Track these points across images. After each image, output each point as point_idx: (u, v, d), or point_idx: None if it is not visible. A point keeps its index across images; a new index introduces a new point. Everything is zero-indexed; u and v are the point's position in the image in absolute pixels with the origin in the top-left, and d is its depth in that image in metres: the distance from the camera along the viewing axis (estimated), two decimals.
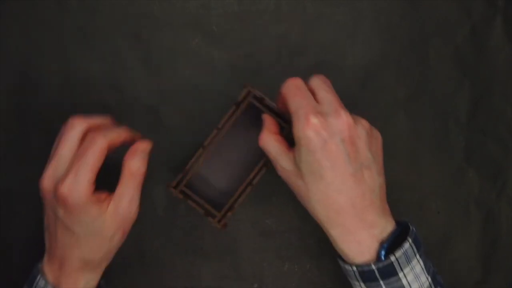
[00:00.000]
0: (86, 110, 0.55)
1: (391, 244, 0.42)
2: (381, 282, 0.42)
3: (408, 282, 0.42)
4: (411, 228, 0.44)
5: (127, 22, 0.56)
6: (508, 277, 0.56)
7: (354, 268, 0.43)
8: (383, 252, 0.42)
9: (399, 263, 0.42)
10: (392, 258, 0.42)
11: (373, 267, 0.42)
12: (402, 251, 0.42)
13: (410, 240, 0.42)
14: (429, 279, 0.43)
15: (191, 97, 0.56)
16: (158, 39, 0.56)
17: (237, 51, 0.56)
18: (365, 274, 0.43)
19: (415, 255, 0.43)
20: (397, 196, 0.55)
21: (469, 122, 0.56)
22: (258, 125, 0.48)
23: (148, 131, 0.55)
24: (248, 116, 0.50)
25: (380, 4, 0.56)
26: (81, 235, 0.43)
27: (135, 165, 0.44)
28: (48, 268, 0.45)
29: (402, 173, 0.56)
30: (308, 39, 0.56)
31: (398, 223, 0.45)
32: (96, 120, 0.45)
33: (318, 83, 0.44)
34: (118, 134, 0.44)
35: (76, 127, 0.43)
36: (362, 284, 0.44)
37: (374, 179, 0.43)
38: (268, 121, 0.47)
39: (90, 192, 0.42)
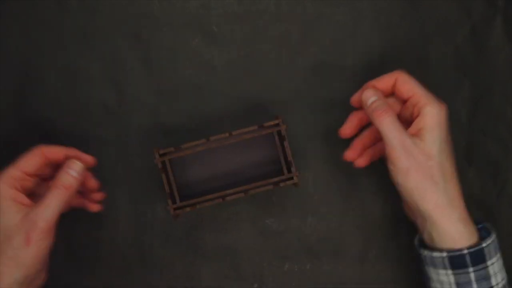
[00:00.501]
0: (86, 110, 0.55)
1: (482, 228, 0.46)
2: (470, 269, 0.43)
3: (494, 272, 0.44)
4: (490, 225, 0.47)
5: (127, 22, 0.56)
6: (508, 277, 0.56)
7: (444, 254, 0.44)
8: (484, 233, 0.45)
9: (489, 251, 0.44)
10: (484, 243, 0.43)
11: (465, 251, 0.43)
12: (492, 239, 0.44)
13: (495, 234, 0.45)
14: (505, 279, 0.45)
15: (191, 97, 0.55)
16: (158, 39, 0.56)
17: (237, 51, 0.56)
18: (455, 259, 0.43)
19: (498, 250, 0.45)
20: (397, 197, 0.55)
21: (469, 122, 0.56)
22: (264, 149, 0.53)
23: (148, 131, 0.55)
24: (261, 139, 0.52)
25: (380, 4, 0.56)
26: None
27: (62, 178, 0.46)
28: None
29: None
30: (308, 39, 0.56)
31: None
32: (55, 147, 0.48)
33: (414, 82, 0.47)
34: (58, 149, 0.47)
35: (36, 148, 0.47)
36: (450, 272, 0.44)
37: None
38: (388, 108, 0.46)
39: (9, 185, 0.45)
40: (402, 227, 0.55)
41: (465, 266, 0.43)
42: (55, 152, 0.47)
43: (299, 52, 0.56)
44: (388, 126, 0.44)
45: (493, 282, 0.44)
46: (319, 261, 0.55)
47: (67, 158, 0.47)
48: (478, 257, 0.43)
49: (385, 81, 0.47)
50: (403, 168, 0.43)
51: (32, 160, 0.46)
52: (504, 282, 0.45)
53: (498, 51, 0.56)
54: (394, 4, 0.56)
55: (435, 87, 0.56)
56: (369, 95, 0.46)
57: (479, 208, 0.56)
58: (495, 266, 0.44)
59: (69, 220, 0.55)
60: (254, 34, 0.56)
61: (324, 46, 0.56)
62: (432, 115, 0.44)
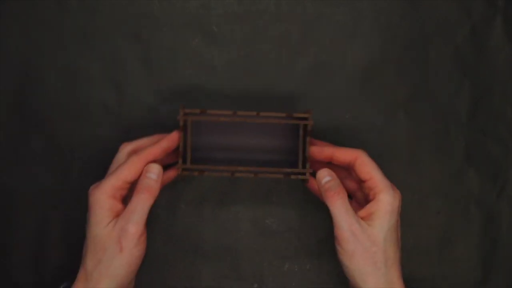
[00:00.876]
0: (86, 110, 0.55)
1: None
2: None
3: None
4: None
5: (127, 22, 0.56)
6: (508, 277, 0.56)
7: None
8: None
9: None
10: None
11: None
12: None
13: None
14: None
15: (191, 97, 0.55)
16: (158, 39, 0.56)
17: (237, 51, 0.56)
18: None
19: None
20: None
21: (469, 122, 0.56)
22: (284, 138, 0.53)
23: (148, 131, 0.55)
24: (285, 128, 0.52)
25: (380, 4, 0.56)
26: (88, 240, 0.45)
27: (142, 182, 0.46)
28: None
29: (402, 173, 0.56)
30: (308, 39, 0.56)
31: None
32: (141, 142, 0.50)
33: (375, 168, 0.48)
34: (156, 149, 0.48)
35: (122, 150, 0.49)
36: None
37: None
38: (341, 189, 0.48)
39: (108, 195, 0.45)
40: (402, 227, 0.55)
41: None
42: (153, 154, 0.47)
43: (299, 52, 0.56)
44: (339, 208, 0.46)
45: None
46: (319, 261, 0.55)
47: (162, 153, 0.48)
48: None
49: (345, 156, 0.48)
50: (349, 250, 0.45)
51: (133, 168, 0.46)
52: None
53: (498, 51, 0.56)
54: (394, 4, 0.56)
55: (435, 87, 0.56)
56: (323, 175, 0.48)
57: (479, 208, 0.56)
58: None
59: (69, 220, 0.55)
60: (254, 34, 0.56)
61: (324, 46, 0.56)
62: (385, 203, 0.46)
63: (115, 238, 0.44)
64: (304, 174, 0.49)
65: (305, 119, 0.49)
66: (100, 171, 0.50)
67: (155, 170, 0.47)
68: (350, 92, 0.56)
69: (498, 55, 0.56)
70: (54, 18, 0.55)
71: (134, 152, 0.48)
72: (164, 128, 0.55)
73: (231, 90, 0.56)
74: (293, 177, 0.49)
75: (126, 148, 0.49)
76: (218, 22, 0.56)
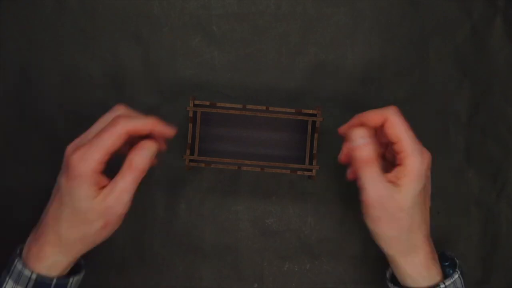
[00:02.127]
0: (86, 110, 0.55)
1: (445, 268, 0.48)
2: None
3: None
4: (458, 262, 0.49)
5: (127, 22, 0.56)
6: (508, 277, 0.56)
7: None
8: (450, 270, 0.48)
9: None
10: (442, 284, 0.46)
11: None
12: (452, 280, 0.46)
13: (459, 272, 0.47)
14: None
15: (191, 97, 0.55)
16: (158, 39, 0.56)
17: (237, 51, 0.56)
18: None
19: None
20: None
21: (469, 122, 0.56)
22: (293, 134, 0.53)
23: None
24: (294, 124, 0.52)
25: (380, 4, 0.56)
26: (67, 209, 0.43)
27: (136, 160, 0.44)
28: (28, 242, 0.46)
29: None
30: (308, 39, 0.56)
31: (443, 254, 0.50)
32: (137, 115, 0.46)
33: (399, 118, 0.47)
34: (142, 124, 0.44)
35: (114, 111, 0.46)
36: None
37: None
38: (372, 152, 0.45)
39: (94, 170, 0.43)
40: None
41: None
42: (139, 129, 0.44)
43: (299, 52, 0.56)
44: (369, 176, 0.44)
45: None
46: (319, 261, 0.55)
47: (150, 132, 0.45)
48: None
49: (374, 118, 0.46)
50: (375, 216, 0.45)
51: (117, 141, 0.43)
52: None
53: (498, 51, 0.56)
54: (394, 4, 0.56)
55: (435, 87, 0.56)
56: (359, 134, 0.45)
57: (479, 208, 0.56)
58: None
59: None
60: (254, 34, 0.56)
61: (324, 46, 0.56)
62: (413, 169, 0.44)
63: (100, 213, 0.43)
64: (310, 170, 0.49)
65: (314, 115, 0.49)
66: (113, 156, 0.49)
67: (151, 149, 0.44)
68: (350, 92, 0.56)
69: (498, 55, 0.56)
70: (54, 18, 0.55)
71: (125, 120, 0.44)
72: None
73: (231, 90, 0.56)
74: (299, 173, 0.50)
75: (117, 111, 0.46)
76: (218, 22, 0.56)
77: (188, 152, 0.49)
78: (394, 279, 0.49)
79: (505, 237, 0.56)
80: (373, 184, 0.44)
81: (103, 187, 0.44)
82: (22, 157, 0.55)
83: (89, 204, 0.43)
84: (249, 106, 0.49)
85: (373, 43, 0.56)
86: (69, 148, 0.45)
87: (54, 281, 0.45)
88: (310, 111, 0.50)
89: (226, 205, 0.55)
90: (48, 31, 0.55)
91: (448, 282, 0.46)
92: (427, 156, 0.45)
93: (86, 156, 0.43)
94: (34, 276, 0.44)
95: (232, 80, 0.56)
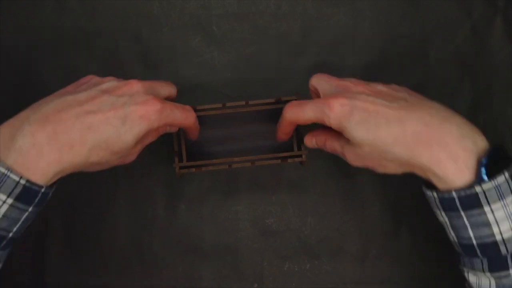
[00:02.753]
0: None
1: (491, 163, 0.38)
2: (462, 213, 0.38)
3: (496, 219, 0.37)
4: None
5: (127, 22, 0.56)
6: None
7: (435, 194, 0.40)
8: (483, 170, 0.37)
9: (486, 196, 0.37)
10: (478, 189, 0.37)
11: (454, 194, 0.38)
12: (494, 184, 0.37)
13: (507, 175, 0.37)
14: None
15: (191, 97, 0.55)
16: (158, 39, 0.56)
17: (237, 51, 0.56)
18: (445, 201, 0.39)
19: (509, 194, 0.37)
20: (397, 196, 0.55)
21: (469, 122, 0.56)
22: (276, 121, 0.49)
23: None
24: (277, 113, 0.50)
25: (380, 4, 0.56)
26: (114, 130, 0.40)
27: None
28: (24, 140, 0.39)
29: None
30: (308, 39, 0.56)
31: (495, 146, 0.39)
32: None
33: (318, 80, 0.46)
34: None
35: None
36: (443, 213, 0.40)
37: (425, 101, 0.42)
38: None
39: (158, 129, 0.44)
40: (402, 227, 0.55)
41: (455, 209, 0.39)
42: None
43: (299, 52, 0.56)
44: (336, 144, 0.45)
45: (495, 229, 0.38)
46: (319, 261, 0.55)
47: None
48: (469, 202, 0.38)
49: (312, 92, 0.47)
50: (371, 155, 0.42)
51: (173, 127, 0.47)
52: None
53: (498, 51, 0.56)
54: (394, 4, 0.56)
55: (435, 87, 0.56)
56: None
57: None
58: (499, 212, 0.37)
59: (69, 220, 0.55)
60: (254, 34, 0.56)
61: (324, 46, 0.56)
62: (334, 115, 0.41)
63: (126, 151, 0.42)
64: (300, 156, 0.49)
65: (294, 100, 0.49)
66: (100, 171, 0.50)
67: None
68: None
69: (498, 55, 0.56)
70: (54, 18, 0.55)
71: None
72: None
73: (231, 90, 0.56)
74: (290, 160, 0.49)
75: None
76: (218, 22, 0.56)
77: (176, 160, 0.49)
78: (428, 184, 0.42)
79: None
80: (346, 150, 0.44)
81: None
82: None
83: (124, 146, 0.41)
84: (229, 104, 0.49)
85: (373, 43, 0.56)
86: (140, 85, 0.43)
87: (43, 189, 0.39)
88: (290, 98, 0.49)
89: (226, 205, 0.55)
90: (48, 31, 0.55)
91: (488, 186, 0.37)
92: (336, 99, 0.41)
93: (167, 113, 0.42)
94: (22, 182, 0.38)
95: (232, 80, 0.56)
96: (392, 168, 0.42)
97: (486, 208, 0.37)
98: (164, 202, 0.55)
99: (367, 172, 0.55)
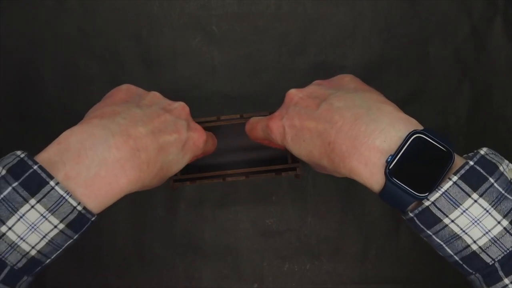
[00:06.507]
0: (86, 110, 0.55)
1: (402, 157, 0.34)
2: (429, 232, 0.35)
3: (462, 229, 0.33)
4: (467, 161, 0.34)
5: (127, 22, 0.56)
6: None
7: (408, 216, 0.35)
8: (387, 170, 0.34)
9: (438, 208, 0.33)
10: (426, 202, 0.33)
11: (411, 215, 0.35)
12: (441, 192, 0.33)
13: (454, 178, 0.33)
14: (505, 222, 0.33)
15: (191, 97, 0.55)
16: (158, 39, 0.56)
17: (237, 51, 0.56)
18: (411, 223, 0.36)
19: (468, 196, 0.33)
20: None
21: (469, 122, 0.56)
22: None
23: None
24: None
25: (380, 4, 0.56)
26: (177, 150, 0.40)
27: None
28: (91, 164, 0.35)
29: None
30: (308, 39, 0.56)
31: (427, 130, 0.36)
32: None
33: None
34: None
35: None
36: (422, 236, 0.36)
37: (348, 98, 0.38)
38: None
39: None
40: (402, 227, 0.55)
41: (422, 230, 0.35)
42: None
43: (299, 52, 0.56)
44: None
45: (467, 239, 0.33)
46: (319, 261, 0.55)
47: None
48: (428, 217, 0.34)
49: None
50: (321, 164, 0.40)
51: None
52: (497, 230, 0.33)
53: (498, 51, 0.56)
54: (394, 4, 0.56)
55: (435, 87, 0.56)
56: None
57: None
58: (460, 220, 0.33)
59: None
60: (254, 34, 0.56)
61: (324, 46, 0.56)
62: (273, 133, 0.42)
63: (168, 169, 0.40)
64: (294, 169, 0.49)
65: None
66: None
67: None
68: None
69: (498, 55, 0.56)
70: (54, 18, 0.55)
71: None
72: None
73: (231, 90, 0.56)
74: (284, 174, 0.49)
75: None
76: (218, 22, 0.56)
77: None
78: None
79: None
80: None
81: None
82: None
83: (178, 169, 0.41)
84: (223, 117, 0.49)
85: (373, 43, 0.56)
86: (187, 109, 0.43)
87: (94, 218, 0.35)
88: None
89: (226, 205, 0.55)
90: (48, 31, 0.55)
91: (435, 196, 0.33)
92: (275, 117, 0.41)
93: (207, 144, 0.43)
94: (79, 208, 0.34)
95: (232, 80, 0.56)
96: (339, 175, 0.40)
97: (446, 220, 0.34)
98: (164, 202, 0.55)
99: None
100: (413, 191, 0.34)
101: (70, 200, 0.33)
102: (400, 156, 0.34)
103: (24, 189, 0.32)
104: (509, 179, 0.34)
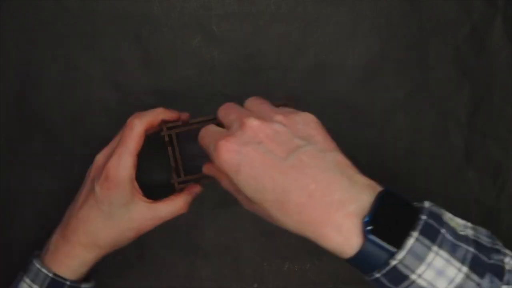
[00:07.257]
0: (86, 110, 0.55)
1: (378, 215, 0.35)
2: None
3: (430, 282, 0.35)
4: (420, 217, 0.36)
5: (127, 22, 0.56)
6: None
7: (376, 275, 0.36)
8: (367, 229, 0.35)
9: (405, 265, 0.35)
10: (393, 262, 0.35)
11: (377, 275, 0.36)
12: (406, 250, 0.35)
13: (415, 234, 0.35)
14: (464, 268, 0.35)
15: (191, 97, 0.55)
16: (158, 39, 0.56)
17: (237, 51, 0.56)
18: (378, 284, 0.36)
19: (430, 249, 0.35)
20: None
21: (469, 122, 0.56)
22: None
23: None
24: None
25: (380, 4, 0.56)
26: (103, 214, 0.46)
27: (183, 201, 0.49)
28: (54, 241, 0.48)
29: (402, 173, 0.56)
30: (308, 39, 0.56)
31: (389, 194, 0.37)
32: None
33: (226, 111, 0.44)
34: (154, 116, 0.47)
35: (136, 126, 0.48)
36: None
37: (318, 158, 0.38)
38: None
39: (132, 176, 0.46)
40: None
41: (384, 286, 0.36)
42: (152, 121, 0.47)
43: (299, 52, 0.56)
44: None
45: None
46: (319, 261, 0.55)
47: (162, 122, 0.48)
48: (395, 276, 0.35)
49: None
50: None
51: (140, 141, 0.47)
52: (459, 278, 0.35)
53: (498, 51, 0.56)
54: (394, 4, 0.56)
55: (435, 87, 0.56)
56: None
57: (479, 208, 0.56)
58: (427, 274, 0.35)
59: None
60: (254, 34, 0.56)
61: (324, 46, 0.56)
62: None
63: (137, 221, 0.48)
64: None
65: (285, 106, 0.48)
66: (141, 152, 0.49)
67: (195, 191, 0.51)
68: (350, 92, 0.56)
69: (498, 55, 0.56)
70: (54, 18, 0.55)
71: (139, 120, 0.47)
72: None
73: (231, 90, 0.56)
74: None
75: (142, 126, 0.47)
76: (218, 22, 0.56)
77: (174, 176, 0.48)
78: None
79: (505, 237, 0.56)
80: (238, 194, 0.43)
81: (139, 194, 0.47)
82: (21, 157, 0.55)
83: (126, 212, 0.46)
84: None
85: (373, 43, 0.56)
86: (100, 157, 0.48)
87: (68, 283, 0.47)
88: (281, 103, 0.48)
89: (226, 205, 0.55)
90: (48, 31, 0.55)
91: (401, 255, 0.35)
92: (222, 145, 0.38)
93: (122, 163, 0.45)
94: (50, 275, 0.46)
95: (232, 80, 0.56)
96: (297, 233, 0.39)
97: (413, 276, 0.35)
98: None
99: (368, 172, 0.55)
100: (389, 247, 0.35)
101: (43, 269, 0.47)
102: (374, 215, 0.36)
103: (23, 272, 0.49)
104: (453, 228, 0.37)
